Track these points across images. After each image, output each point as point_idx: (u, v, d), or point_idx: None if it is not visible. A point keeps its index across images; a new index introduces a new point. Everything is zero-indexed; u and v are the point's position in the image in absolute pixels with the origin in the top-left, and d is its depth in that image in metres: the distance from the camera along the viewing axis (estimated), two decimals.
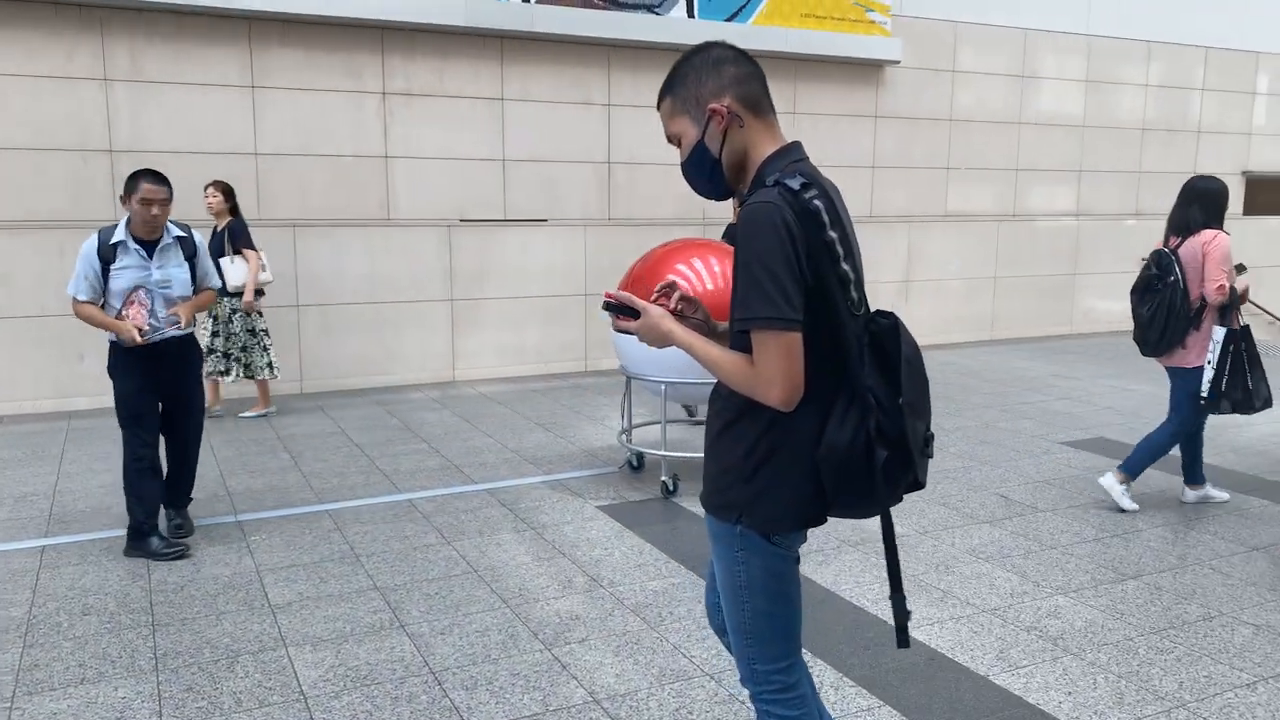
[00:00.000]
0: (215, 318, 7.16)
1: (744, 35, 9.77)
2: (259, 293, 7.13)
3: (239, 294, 7.06)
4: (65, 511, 5.19)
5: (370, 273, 8.57)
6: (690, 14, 9.73)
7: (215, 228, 7.14)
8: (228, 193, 7.14)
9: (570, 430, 6.96)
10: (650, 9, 9.54)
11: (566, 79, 9.25)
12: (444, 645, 3.66)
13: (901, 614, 2.13)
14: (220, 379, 7.21)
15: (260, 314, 7.26)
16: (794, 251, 1.89)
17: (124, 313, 4.37)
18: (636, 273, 5.55)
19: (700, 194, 2.19)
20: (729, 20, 9.82)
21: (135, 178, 4.39)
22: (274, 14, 7.94)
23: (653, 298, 2.30)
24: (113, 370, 4.51)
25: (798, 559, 2.17)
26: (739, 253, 1.94)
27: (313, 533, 4.85)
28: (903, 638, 2.13)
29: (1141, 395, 8.26)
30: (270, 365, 7.28)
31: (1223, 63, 12.71)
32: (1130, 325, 6.30)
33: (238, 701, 3.26)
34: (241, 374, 7.22)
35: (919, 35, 10.77)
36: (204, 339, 7.13)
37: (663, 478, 5.39)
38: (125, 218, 4.44)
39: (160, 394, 4.57)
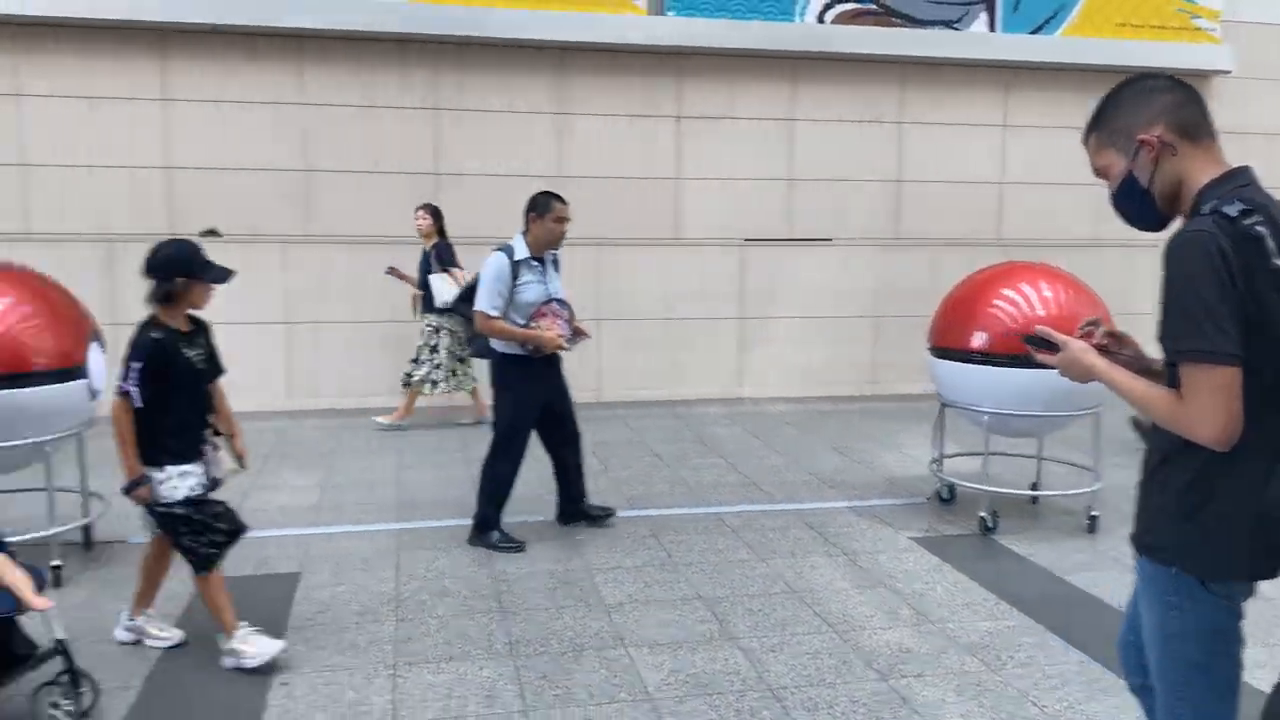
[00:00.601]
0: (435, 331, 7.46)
1: (1051, 48, 9.27)
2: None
3: (446, 311, 7.28)
4: (409, 499, 5.72)
5: (664, 290, 8.85)
6: (992, 27, 9.35)
7: (424, 248, 7.47)
8: (436, 214, 7.46)
9: (867, 455, 6.84)
10: (949, 24, 9.26)
11: (857, 98, 9.17)
12: (777, 663, 3.68)
13: None
14: (428, 390, 7.44)
15: (451, 332, 7.40)
16: (1229, 281, 1.80)
17: (534, 324, 4.75)
18: (956, 297, 5.37)
19: (1133, 225, 2.16)
20: (1035, 32, 9.34)
21: (548, 198, 4.77)
22: (581, 44, 8.43)
23: (1077, 333, 2.25)
24: (509, 383, 4.83)
25: (1240, 614, 2.00)
26: (1167, 285, 1.88)
27: (631, 537, 5.05)
28: None
29: None
30: (437, 384, 7.41)
31: None
32: None
33: (590, 694, 3.43)
34: (449, 388, 7.47)
35: (1253, 42, 9.74)
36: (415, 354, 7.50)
37: (981, 513, 5.15)
38: (518, 235, 4.80)
39: (544, 404, 4.90)
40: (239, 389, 8.10)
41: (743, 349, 9.10)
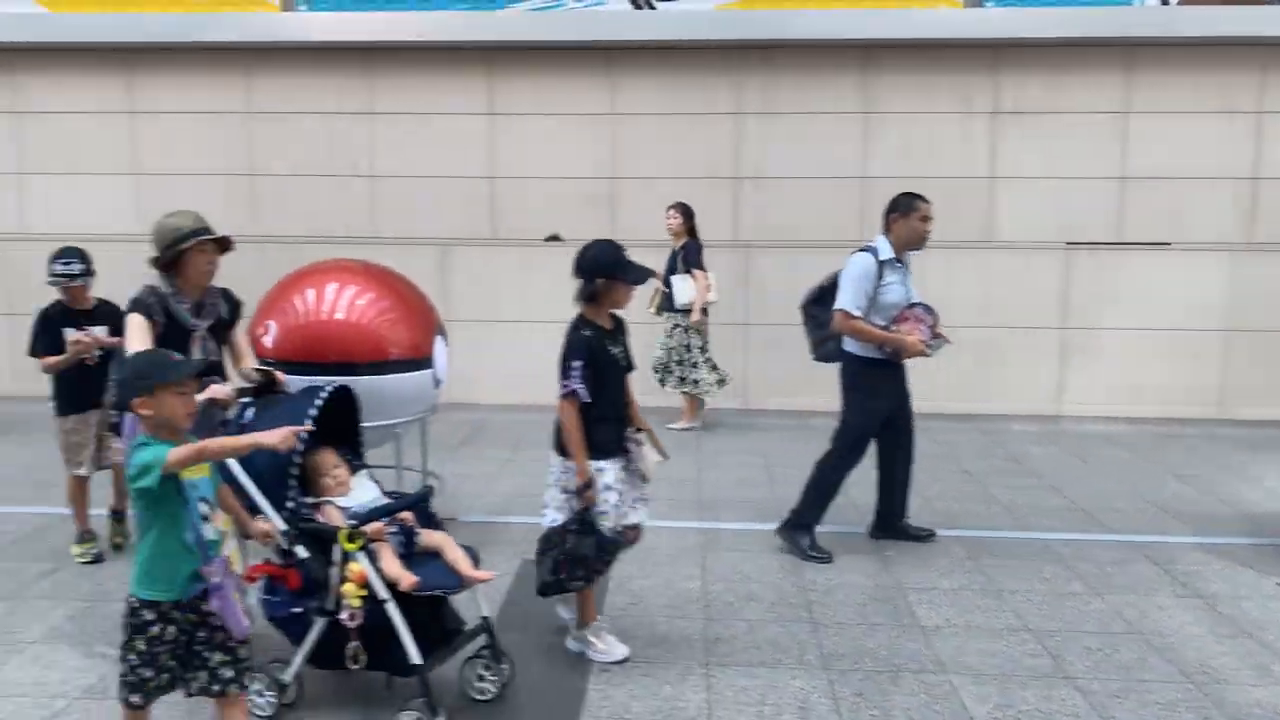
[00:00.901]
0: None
1: None
2: (703, 312, 7.23)
3: (685, 310, 7.20)
4: (711, 499, 5.75)
5: (975, 296, 8.31)
6: None
7: (672, 247, 7.36)
8: (688, 214, 7.33)
9: (1218, 487, 6.04)
10: None
11: (1205, 86, 8.19)
12: (1122, 710, 3.29)
13: None
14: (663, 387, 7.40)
15: (699, 332, 7.31)
16: None
17: (895, 328, 4.65)
18: None
19: None
20: None
21: (910, 198, 4.67)
22: (891, 40, 8.14)
23: None
24: (860, 385, 4.72)
25: None
26: None
27: (946, 557, 4.76)
28: None
29: None
30: (699, 382, 7.30)
31: None
32: None
33: (909, 719, 3.24)
34: (676, 386, 7.36)
35: None
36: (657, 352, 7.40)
37: None
38: (880, 236, 4.70)
39: (889, 412, 4.77)
40: (553, 383, 8.65)
41: (1064, 362, 8.36)
